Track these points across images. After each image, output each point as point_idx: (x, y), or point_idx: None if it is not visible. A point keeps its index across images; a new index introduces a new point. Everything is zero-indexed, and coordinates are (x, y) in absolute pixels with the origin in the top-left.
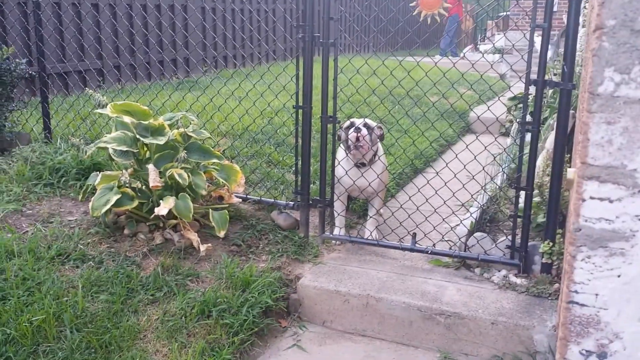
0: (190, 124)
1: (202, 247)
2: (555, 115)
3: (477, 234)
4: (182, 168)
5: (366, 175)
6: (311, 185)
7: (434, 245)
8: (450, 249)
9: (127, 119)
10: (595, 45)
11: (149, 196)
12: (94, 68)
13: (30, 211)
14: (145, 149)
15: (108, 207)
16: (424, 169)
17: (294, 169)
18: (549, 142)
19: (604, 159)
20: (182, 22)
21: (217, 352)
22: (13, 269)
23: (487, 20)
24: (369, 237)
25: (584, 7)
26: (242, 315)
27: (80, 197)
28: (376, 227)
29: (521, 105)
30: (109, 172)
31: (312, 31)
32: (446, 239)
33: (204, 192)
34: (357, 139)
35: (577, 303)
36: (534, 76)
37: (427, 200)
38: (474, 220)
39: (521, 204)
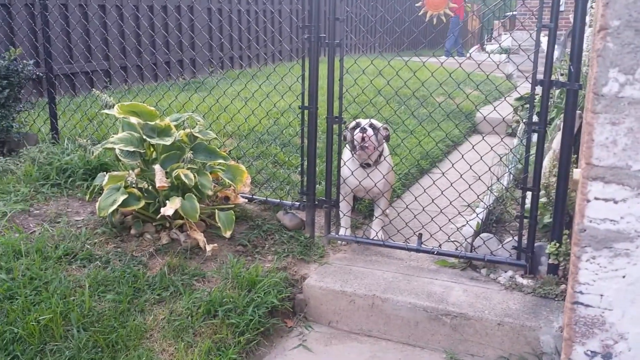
0: (197, 124)
1: (208, 247)
2: (562, 115)
3: (484, 235)
4: (188, 168)
5: (372, 175)
6: (317, 186)
7: (440, 245)
8: (456, 249)
9: (133, 119)
10: (599, 46)
11: (156, 196)
12: (101, 69)
13: (38, 211)
14: (152, 149)
15: (115, 207)
16: (430, 170)
17: (299, 169)
18: (555, 142)
19: (608, 160)
20: (188, 23)
21: (223, 351)
22: (20, 269)
23: (494, 20)
24: (375, 238)
25: (591, 7)
26: (248, 315)
27: (87, 197)
28: (382, 227)
29: (528, 105)
30: (115, 173)
31: (318, 32)
32: (452, 240)
33: (210, 193)
34: (363, 139)
35: (582, 304)
36: (540, 76)
37: (433, 200)
38: (480, 221)
39: (528, 205)
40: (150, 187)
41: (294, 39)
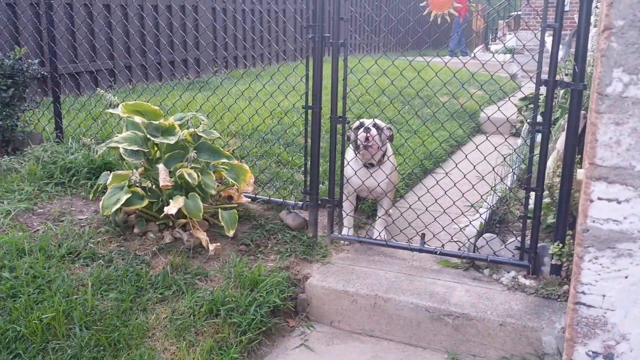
0: (200, 124)
1: (211, 247)
2: (566, 115)
3: (487, 235)
4: (192, 168)
5: (375, 175)
6: (320, 185)
7: (442, 246)
8: (459, 249)
9: (137, 119)
10: (603, 46)
11: (159, 195)
12: (106, 68)
13: (42, 210)
14: (156, 148)
15: (118, 206)
16: (434, 170)
17: (303, 169)
18: (559, 142)
19: (612, 160)
20: (192, 23)
21: (225, 351)
22: (24, 267)
23: (498, 20)
24: (378, 238)
25: (596, 7)
26: (250, 315)
27: (90, 196)
28: (385, 227)
29: (532, 105)
30: (119, 172)
31: (322, 31)
32: (455, 240)
33: (213, 192)
34: (367, 139)
35: (584, 304)
36: (545, 76)
37: (436, 200)
38: (483, 221)
39: (531, 205)
40: (153, 186)
41: (298, 38)
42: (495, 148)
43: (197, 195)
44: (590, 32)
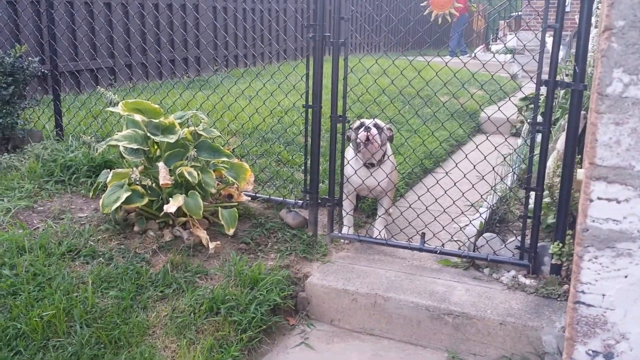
0: (201, 122)
1: (211, 245)
2: (567, 116)
3: (487, 235)
4: (192, 166)
5: (375, 175)
6: (320, 184)
7: (442, 245)
8: (459, 249)
9: (138, 117)
10: (604, 46)
11: (159, 194)
12: (106, 66)
13: (42, 208)
14: (156, 147)
15: (118, 204)
16: (434, 169)
17: (303, 168)
18: (559, 143)
19: (612, 160)
20: (193, 21)
21: (225, 349)
22: (24, 265)
23: (499, 20)
24: (378, 237)
25: (597, 8)
26: (250, 313)
27: (91, 194)
28: (385, 226)
29: (532, 105)
30: (119, 170)
31: (323, 31)
32: (455, 239)
33: (213, 190)
34: (367, 138)
35: (583, 303)
36: (545, 77)
37: (436, 200)
38: (483, 221)
39: (531, 205)
40: (153, 185)
41: (298, 37)
42: (496, 148)
43: (197, 193)
44: (590, 33)
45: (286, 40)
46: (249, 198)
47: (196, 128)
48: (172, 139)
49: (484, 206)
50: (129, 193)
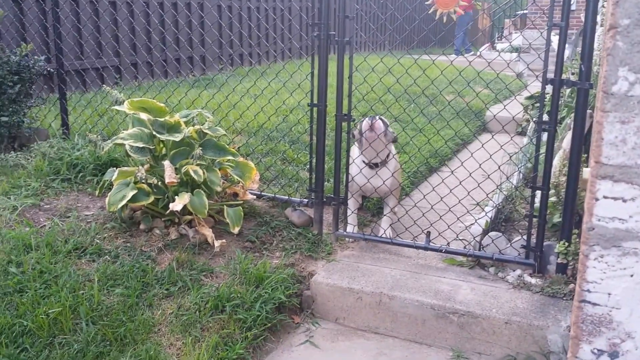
0: (206, 121)
1: (217, 243)
2: (573, 114)
3: (492, 234)
4: (197, 165)
5: (380, 174)
6: (325, 183)
7: (448, 244)
8: (464, 248)
9: (143, 115)
10: (609, 45)
11: (165, 192)
12: (112, 65)
13: (48, 206)
14: (162, 145)
15: (124, 202)
16: (439, 168)
17: (308, 166)
18: (565, 141)
19: (617, 159)
20: (198, 20)
21: (230, 346)
22: (30, 262)
23: (504, 18)
24: (383, 235)
25: (602, 6)
26: (255, 311)
27: (97, 192)
28: (390, 225)
29: (538, 104)
30: (125, 168)
31: (328, 29)
32: (460, 238)
33: (218, 189)
34: (371, 127)
35: (589, 302)
36: (551, 75)
37: (441, 199)
38: (489, 220)
39: (537, 204)
40: (159, 183)
41: (303, 36)
42: (501, 147)
43: (202, 192)
44: (596, 31)
45: (291, 39)
46: (254, 196)
47: (202, 126)
48: (177, 137)
49: (490, 205)
50: (134, 191)
